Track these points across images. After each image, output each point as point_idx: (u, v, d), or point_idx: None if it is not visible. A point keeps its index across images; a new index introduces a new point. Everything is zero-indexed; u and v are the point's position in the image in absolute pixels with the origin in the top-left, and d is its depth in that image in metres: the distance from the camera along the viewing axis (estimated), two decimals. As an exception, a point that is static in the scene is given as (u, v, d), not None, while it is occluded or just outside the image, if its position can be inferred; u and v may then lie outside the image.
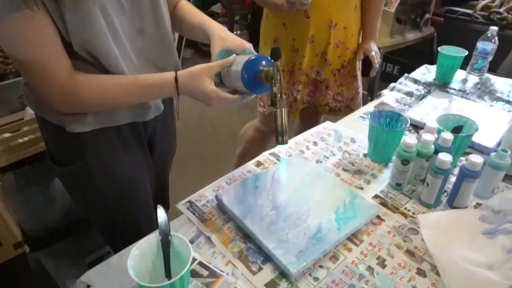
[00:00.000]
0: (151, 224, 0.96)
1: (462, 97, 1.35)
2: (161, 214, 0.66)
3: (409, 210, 0.86)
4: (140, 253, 0.63)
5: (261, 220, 0.79)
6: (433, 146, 0.87)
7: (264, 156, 1.04)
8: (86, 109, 0.77)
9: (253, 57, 0.76)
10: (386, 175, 0.97)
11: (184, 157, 2.22)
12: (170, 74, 0.77)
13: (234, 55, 0.81)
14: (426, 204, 0.86)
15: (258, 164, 1.01)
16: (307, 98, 1.50)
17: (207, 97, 0.76)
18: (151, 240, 0.65)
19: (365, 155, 1.04)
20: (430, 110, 1.25)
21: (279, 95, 0.72)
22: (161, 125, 0.96)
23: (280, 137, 0.72)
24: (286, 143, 0.72)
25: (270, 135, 1.66)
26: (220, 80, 0.81)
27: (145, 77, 0.77)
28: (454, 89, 1.40)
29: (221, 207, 0.86)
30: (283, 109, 0.71)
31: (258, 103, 1.53)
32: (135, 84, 0.76)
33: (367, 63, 1.43)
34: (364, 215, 0.81)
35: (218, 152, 2.38)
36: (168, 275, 0.64)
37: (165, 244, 0.64)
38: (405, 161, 0.86)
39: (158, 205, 0.68)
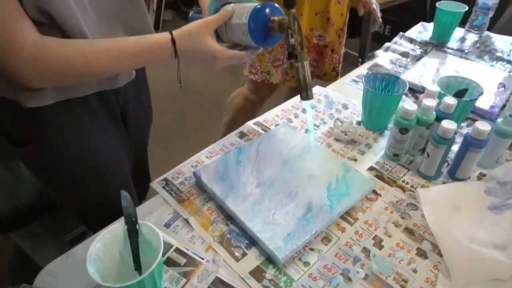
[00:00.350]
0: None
1: (460, 57, 1.25)
2: (125, 200, 0.56)
3: (407, 183, 0.79)
4: (103, 246, 0.54)
5: (244, 199, 0.71)
6: (434, 113, 0.78)
7: (248, 126, 0.94)
8: (63, 80, 0.64)
9: (259, 6, 0.67)
10: (381, 145, 0.88)
11: (166, 127, 2.11)
12: (165, 36, 0.65)
13: (231, 5, 0.69)
14: (426, 176, 0.79)
15: (242, 135, 0.91)
16: None
17: (212, 57, 0.67)
18: (116, 230, 0.56)
19: (358, 123, 0.95)
20: (427, 72, 1.15)
21: (299, 47, 0.65)
22: (134, 92, 0.85)
23: (304, 92, 0.68)
24: (312, 97, 0.69)
25: (260, 103, 1.55)
26: (216, 35, 0.70)
27: (135, 41, 0.65)
28: (452, 49, 1.30)
29: (200, 185, 0.77)
30: (304, 63, 0.67)
31: (248, 70, 1.40)
32: (124, 49, 0.63)
33: (356, 22, 1.31)
34: (359, 190, 0.73)
35: (203, 121, 2.27)
36: (138, 267, 0.56)
37: (132, 234, 0.55)
38: (403, 130, 0.78)
39: (122, 190, 0.58)
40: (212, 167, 0.78)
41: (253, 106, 1.55)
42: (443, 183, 0.79)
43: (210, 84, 2.61)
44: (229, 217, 0.71)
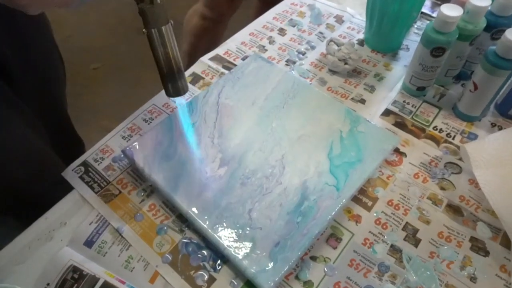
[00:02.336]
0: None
1: None
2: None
3: (441, 130, 0.54)
4: None
5: (203, 189, 0.46)
6: (484, 18, 0.50)
7: (202, 64, 0.64)
8: None
9: None
10: (397, 73, 0.61)
11: (117, 64, 1.75)
12: None
13: None
14: (467, 116, 0.54)
15: (195, 78, 0.62)
16: None
17: None
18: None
19: (360, 43, 0.67)
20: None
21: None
22: (12, 42, 0.54)
23: (169, 83, 0.46)
24: (184, 91, 0.48)
25: (221, 22, 1.21)
26: None
27: None
28: None
29: (136, 169, 0.50)
30: (164, 30, 0.43)
31: None
32: None
33: None
34: (377, 153, 0.48)
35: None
36: None
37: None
38: (438, 50, 0.50)
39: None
40: (151, 138, 0.51)
41: (215, 28, 1.21)
42: (492, 124, 0.54)
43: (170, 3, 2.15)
44: (183, 218, 0.46)
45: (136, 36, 1.91)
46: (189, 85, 0.61)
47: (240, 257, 0.40)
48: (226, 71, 0.62)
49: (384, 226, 0.45)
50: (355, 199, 0.47)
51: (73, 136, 0.81)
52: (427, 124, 0.54)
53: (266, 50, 0.66)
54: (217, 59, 0.65)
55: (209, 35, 1.22)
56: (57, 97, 0.70)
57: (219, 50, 0.66)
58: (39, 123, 0.63)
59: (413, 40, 0.67)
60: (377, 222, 0.45)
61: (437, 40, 0.49)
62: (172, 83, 0.46)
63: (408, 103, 0.57)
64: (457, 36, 0.49)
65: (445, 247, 0.43)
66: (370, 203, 0.47)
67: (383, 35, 0.62)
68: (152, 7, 0.41)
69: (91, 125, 1.50)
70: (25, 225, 0.46)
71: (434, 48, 0.50)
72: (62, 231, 0.46)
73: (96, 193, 0.49)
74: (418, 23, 0.69)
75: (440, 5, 0.71)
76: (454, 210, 0.46)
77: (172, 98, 0.50)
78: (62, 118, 0.75)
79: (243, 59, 0.64)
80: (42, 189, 0.58)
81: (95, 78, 1.71)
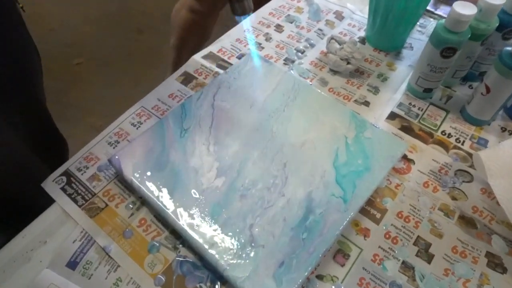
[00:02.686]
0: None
1: None
2: None
3: (449, 135, 0.51)
4: None
5: (199, 202, 0.42)
6: (497, 17, 0.47)
7: (195, 63, 0.60)
8: None
9: None
10: (401, 73, 0.58)
11: (103, 59, 1.68)
12: None
13: None
14: (477, 120, 0.51)
15: (187, 79, 0.58)
16: None
17: None
18: None
19: (362, 41, 0.63)
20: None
21: None
22: None
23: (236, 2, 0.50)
24: (249, 10, 0.51)
25: (211, 16, 1.16)
26: None
27: None
28: None
29: (124, 179, 0.46)
30: None
31: None
32: None
33: None
34: (384, 160, 0.45)
35: (153, 46, 1.81)
36: None
37: None
38: (449, 51, 0.47)
39: None
40: (140, 146, 0.46)
41: (204, 21, 1.16)
42: (503, 129, 0.52)
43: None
44: (177, 234, 0.42)
45: (121, 30, 1.84)
46: (181, 86, 0.56)
47: (241, 279, 0.37)
48: (220, 70, 0.58)
49: (395, 241, 0.42)
50: (363, 210, 0.44)
51: (54, 134, 0.75)
52: (435, 128, 0.52)
53: (263, 47, 0.62)
54: (210, 57, 0.60)
55: (198, 29, 1.17)
56: (34, 91, 0.64)
57: (213, 48, 0.62)
58: (16, 120, 0.58)
59: (416, 38, 0.63)
60: (387, 236, 0.42)
61: (448, 40, 0.46)
62: (239, 2, 0.50)
63: (414, 106, 0.54)
64: (469, 35, 0.46)
65: (460, 263, 0.40)
66: (378, 215, 0.44)
67: (387, 33, 0.59)
68: None
69: (76, 123, 1.44)
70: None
71: (445, 48, 0.47)
72: (41, 251, 0.41)
73: (79, 206, 0.44)
74: (421, 21, 0.66)
75: (443, 2, 0.68)
76: (467, 222, 0.43)
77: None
78: (42, 114, 0.69)
79: (239, 57, 0.60)
80: (22, 195, 0.53)
81: (80, 74, 1.64)
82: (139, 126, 0.52)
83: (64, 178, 0.47)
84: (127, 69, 1.66)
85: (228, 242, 0.39)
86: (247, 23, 0.64)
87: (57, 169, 0.48)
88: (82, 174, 0.47)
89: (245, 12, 0.51)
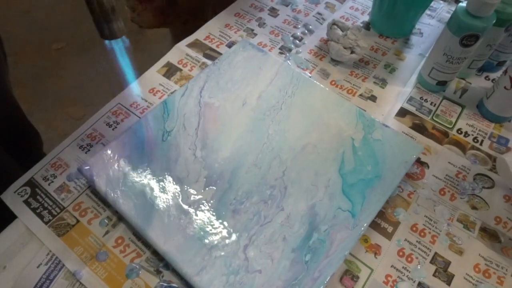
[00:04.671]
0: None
1: None
2: None
3: (466, 134, 0.46)
4: None
5: (184, 219, 0.36)
6: (524, -1, 0.41)
7: (179, 52, 0.53)
8: None
9: None
10: (410, 63, 0.52)
11: (68, 52, 1.57)
12: None
13: None
14: (496, 117, 0.46)
15: (170, 70, 0.51)
16: None
17: None
18: None
19: (366, 26, 0.57)
20: None
21: None
22: None
23: (103, 23, 0.39)
24: (119, 33, 0.40)
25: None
26: None
27: None
28: None
29: (97, 191, 0.40)
30: None
31: None
32: None
33: None
34: (396, 166, 0.40)
35: (129, 27, 1.72)
36: None
37: None
38: (470, 39, 0.41)
39: None
40: (115, 151, 0.40)
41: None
42: (525, 126, 0.46)
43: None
44: (159, 256, 0.36)
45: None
46: (163, 79, 0.49)
47: (235, 312, 0.31)
48: (208, 61, 0.51)
49: (409, 259, 0.37)
50: (373, 224, 0.38)
51: (25, 127, 0.68)
52: (450, 126, 0.46)
53: (256, 34, 0.55)
54: (196, 45, 0.53)
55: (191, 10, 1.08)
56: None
57: (199, 34, 0.55)
58: None
59: (425, 23, 0.57)
60: (400, 253, 0.37)
61: (471, 26, 0.40)
62: (107, 23, 0.39)
63: (426, 101, 0.48)
64: (494, 21, 0.40)
65: (484, 284, 0.35)
66: (390, 229, 0.38)
67: (396, 18, 0.53)
68: None
69: (55, 112, 1.35)
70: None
71: (466, 35, 0.41)
72: (0, 277, 0.35)
73: (46, 223, 0.38)
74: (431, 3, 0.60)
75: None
76: (490, 235, 0.38)
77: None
78: (8, 105, 0.62)
79: (229, 45, 0.53)
80: None
81: (58, 59, 1.54)
82: (116, 127, 0.45)
83: (28, 189, 0.40)
84: (108, 54, 1.57)
85: (219, 267, 0.33)
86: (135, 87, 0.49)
87: (19, 178, 0.41)
88: (49, 184, 0.41)
89: (114, 36, 0.40)
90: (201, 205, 0.37)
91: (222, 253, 0.34)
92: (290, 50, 0.53)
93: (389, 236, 0.38)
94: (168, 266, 0.36)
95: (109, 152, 0.40)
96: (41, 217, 0.38)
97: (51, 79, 1.45)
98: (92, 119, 0.46)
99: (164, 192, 0.37)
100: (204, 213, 0.36)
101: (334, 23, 0.53)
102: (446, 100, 0.49)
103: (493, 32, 0.43)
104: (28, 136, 0.72)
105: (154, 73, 0.50)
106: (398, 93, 0.49)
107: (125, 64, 0.43)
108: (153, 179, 0.38)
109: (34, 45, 1.53)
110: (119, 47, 0.42)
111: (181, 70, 0.51)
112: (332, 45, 0.51)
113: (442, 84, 0.48)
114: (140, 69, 0.50)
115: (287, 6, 0.59)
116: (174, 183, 0.38)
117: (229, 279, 0.33)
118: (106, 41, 0.41)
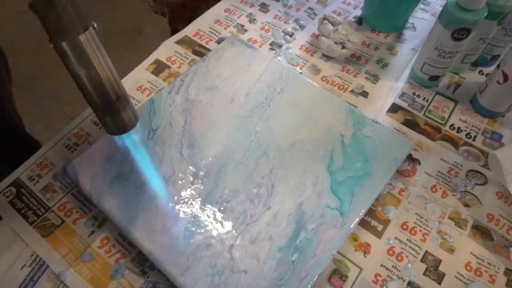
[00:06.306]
0: None
1: None
2: None
3: (459, 130, 0.45)
4: None
5: (169, 219, 0.35)
6: (517, -10, 0.40)
7: (167, 49, 0.52)
8: None
9: None
10: (402, 58, 0.51)
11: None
12: None
13: None
14: (489, 112, 0.45)
15: (158, 67, 0.50)
16: None
17: None
18: None
19: (358, 21, 0.56)
20: None
21: None
22: None
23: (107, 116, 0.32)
24: (130, 125, 0.34)
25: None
26: None
27: None
28: None
29: (82, 192, 0.39)
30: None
31: None
32: None
33: None
34: (387, 163, 0.39)
35: (122, 26, 1.70)
36: None
37: None
38: (462, 32, 0.40)
39: None
40: (100, 150, 0.39)
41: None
42: (519, 121, 0.46)
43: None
44: (144, 257, 0.36)
45: (98, 10, 1.72)
46: (151, 76, 0.49)
47: (219, 313, 0.31)
48: (197, 58, 0.50)
49: (399, 257, 0.36)
50: (362, 222, 0.38)
51: (22, 139, 0.67)
52: (442, 122, 0.45)
53: (246, 30, 0.54)
54: (185, 42, 0.53)
55: (180, 7, 1.07)
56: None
57: (188, 31, 0.54)
58: None
59: (419, 17, 0.56)
60: (390, 252, 0.36)
61: (462, 19, 0.39)
62: (112, 116, 0.32)
63: (418, 96, 0.47)
64: (486, 14, 0.39)
65: (475, 283, 0.35)
66: (380, 227, 0.38)
67: (388, 12, 0.52)
68: (54, 5, 0.25)
69: (53, 112, 1.35)
70: None
71: (457, 29, 0.40)
72: (-17, 280, 0.35)
73: (31, 224, 0.38)
74: (424, -3, 0.59)
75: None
76: (482, 233, 0.37)
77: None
78: (8, 120, 0.62)
79: (219, 42, 0.52)
80: None
81: (55, 58, 1.54)
82: (98, 124, 0.44)
83: (13, 190, 0.40)
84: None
85: (204, 267, 0.33)
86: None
87: (5, 179, 0.41)
88: (34, 185, 0.40)
89: (125, 130, 0.34)
90: (186, 204, 0.36)
91: (207, 253, 0.33)
92: (280, 46, 0.52)
93: (379, 234, 0.37)
94: (153, 266, 0.35)
95: (94, 151, 0.39)
96: (26, 217, 0.38)
97: (48, 78, 1.44)
98: (79, 118, 0.45)
99: (149, 191, 0.37)
100: (190, 212, 0.36)
101: (325, 18, 0.52)
102: (439, 95, 0.48)
103: (485, 26, 0.42)
104: (28, 150, 0.71)
105: (142, 71, 0.49)
106: (390, 88, 0.48)
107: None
108: (139, 178, 0.37)
109: (31, 45, 1.52)
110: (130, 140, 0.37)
111: (169, 67, 0.50)
112: (323, 40, 0.50)
113: (435, 79, 0.47)
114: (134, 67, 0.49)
115: (278, 1, 0.58)
116: (160, 182, 0.37)
117: (214, 280, 0.32)
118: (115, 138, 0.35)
